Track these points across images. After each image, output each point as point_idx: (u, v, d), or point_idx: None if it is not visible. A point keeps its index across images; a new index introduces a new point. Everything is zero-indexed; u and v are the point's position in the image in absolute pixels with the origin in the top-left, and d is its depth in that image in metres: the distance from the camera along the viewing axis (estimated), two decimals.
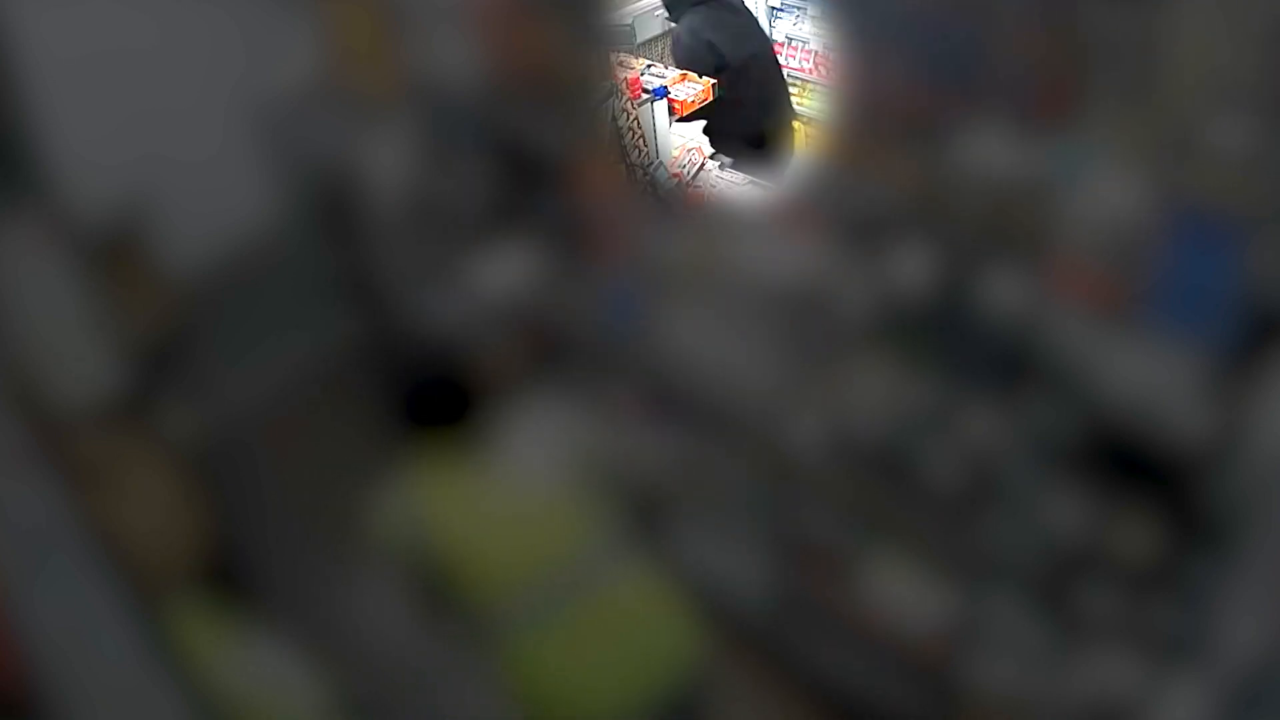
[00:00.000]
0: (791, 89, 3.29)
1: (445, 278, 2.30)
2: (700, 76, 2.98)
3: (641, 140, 2.86)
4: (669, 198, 2.88)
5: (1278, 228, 1.16)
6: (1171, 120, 1.18)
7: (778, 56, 3.25)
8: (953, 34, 1.33)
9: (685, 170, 2.88)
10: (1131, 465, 1.37)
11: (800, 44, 3.60)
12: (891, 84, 1.41)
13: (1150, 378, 1.31)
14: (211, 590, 1.55)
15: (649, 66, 3.11)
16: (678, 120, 2.89)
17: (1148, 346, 1.30)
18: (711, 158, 2.87)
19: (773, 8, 3.68)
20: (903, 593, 1.73)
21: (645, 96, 2.78)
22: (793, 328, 1.70)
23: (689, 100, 2.96)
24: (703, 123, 2.95)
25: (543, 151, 1.97)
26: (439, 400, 1.55)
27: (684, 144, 2.84)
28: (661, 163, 2.94)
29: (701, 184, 2.89)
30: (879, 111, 1.45)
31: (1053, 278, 1.35)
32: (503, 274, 2.19)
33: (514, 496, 1.54)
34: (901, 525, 1.68)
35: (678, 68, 3.07)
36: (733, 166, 2.90)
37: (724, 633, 1.97)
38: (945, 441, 1.57)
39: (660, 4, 3.44)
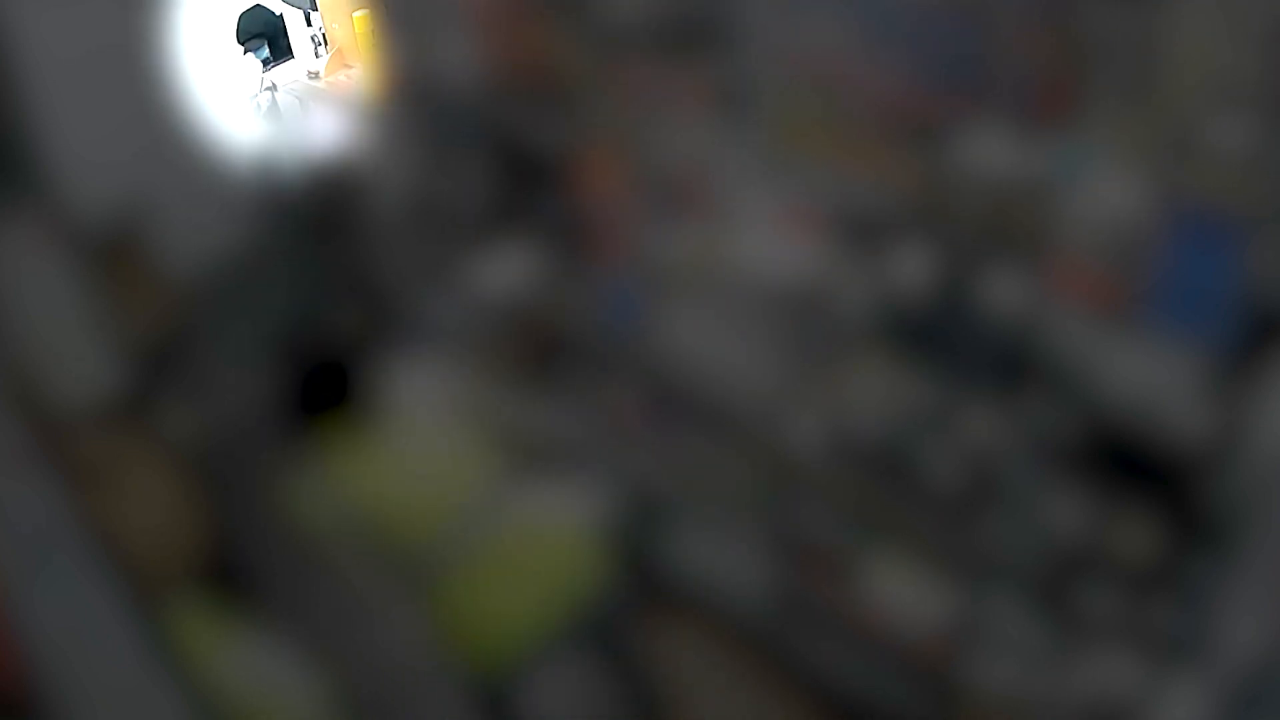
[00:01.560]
0: None
1: (444, 277, 2.30)
2: None
3: None
4: None
5: (1278, 228, 1.16)
6: (1171, 120, 1.18)
7: None
8: (953, 34, 1.33)
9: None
10: (1131, 465, 1.37)
11: None
12: (892, 84, 1.41)
13: (1150, 378, 1.31)
14: (211, 590, 1.55)
15: None
16: None
17: (1148, 346, 1.30)
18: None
19: None
20: (903, 593, 1.73)
21: None
22: (793, 328, 1.70)
23: None
24: None
25: (543, 151, 1.97)
26: (323, 386, 1.66)
27: None
28: None
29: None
30: (879, 111, 1.45)
31: (1053, 278, 1.35)
32: (503, 274, 2.19)
33: (411, 454, 1.67)
34: (901, 525, 1.68)
35: None
36: None
37: (723, 632, 1.97)
38: (945, 441, 1.57)
39: None
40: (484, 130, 2.07)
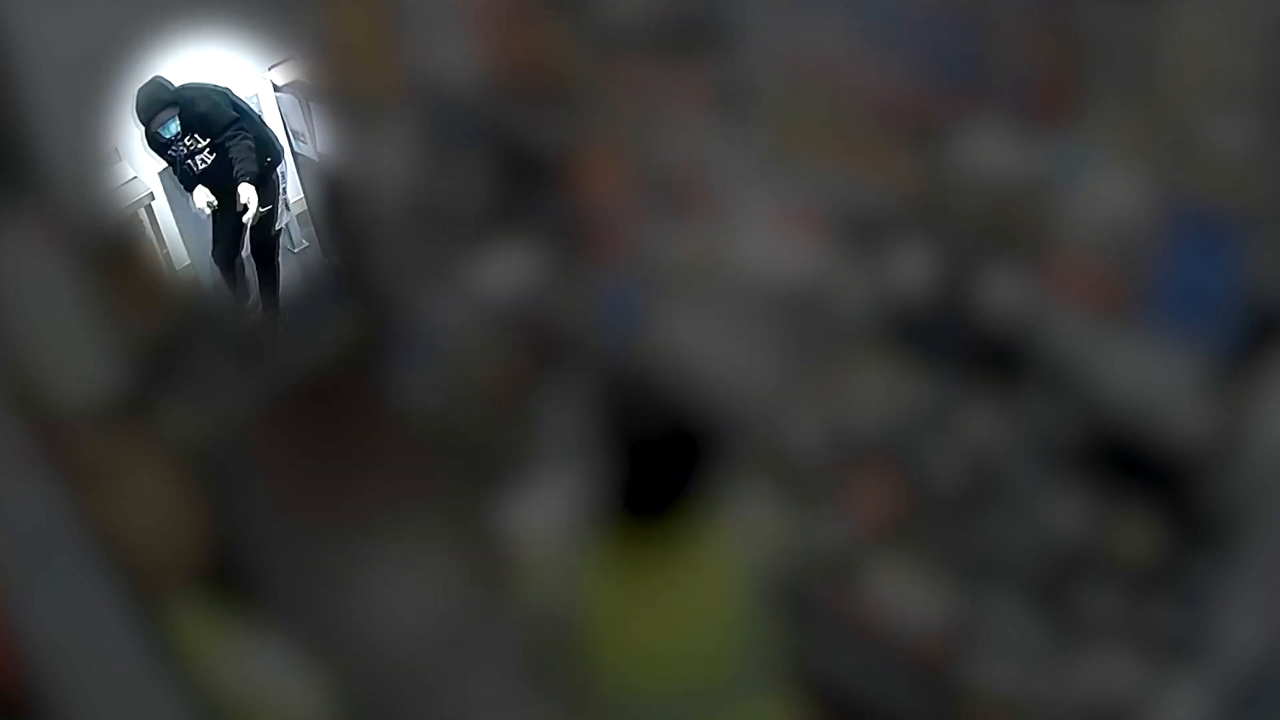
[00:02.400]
0: None
1: (445, 278, 2.30)
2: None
3: None
4: None
5: (1278, 228, 1.16)
6: (1171, 120, 1.18)
7: None
8: (953, 34, 1.33)
9: None
10: (1131, 465, 1.37)
11: None
12: (891, 84, 1.42)
13: (1150, 378, 1.31)
14: (211, 590, 1.54)
15: None
16: None
17: (1148, 346, 1.30)
18: None
19: None
20: (903, 593, 1.73)
21: None
22: (793, 328, 1.70)
23: None
24: None
25: (543, 151, 1.97)
26: (659, 489, 1.28)
27: None
28: None
29: None
30: (879, 111, 1.45)
31: (1053, 278, 1.35)
32: (503, 274, 2.19)
33: (690, 604, 1.33)
34: (902, 525, 1.68)
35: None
36: None
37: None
38: (945, 441, 1.57)
39: None
40: (484, 130, 2.07)
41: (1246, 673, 1.41)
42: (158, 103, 3.21)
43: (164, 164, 3.46)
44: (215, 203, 3.32)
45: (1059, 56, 1.25)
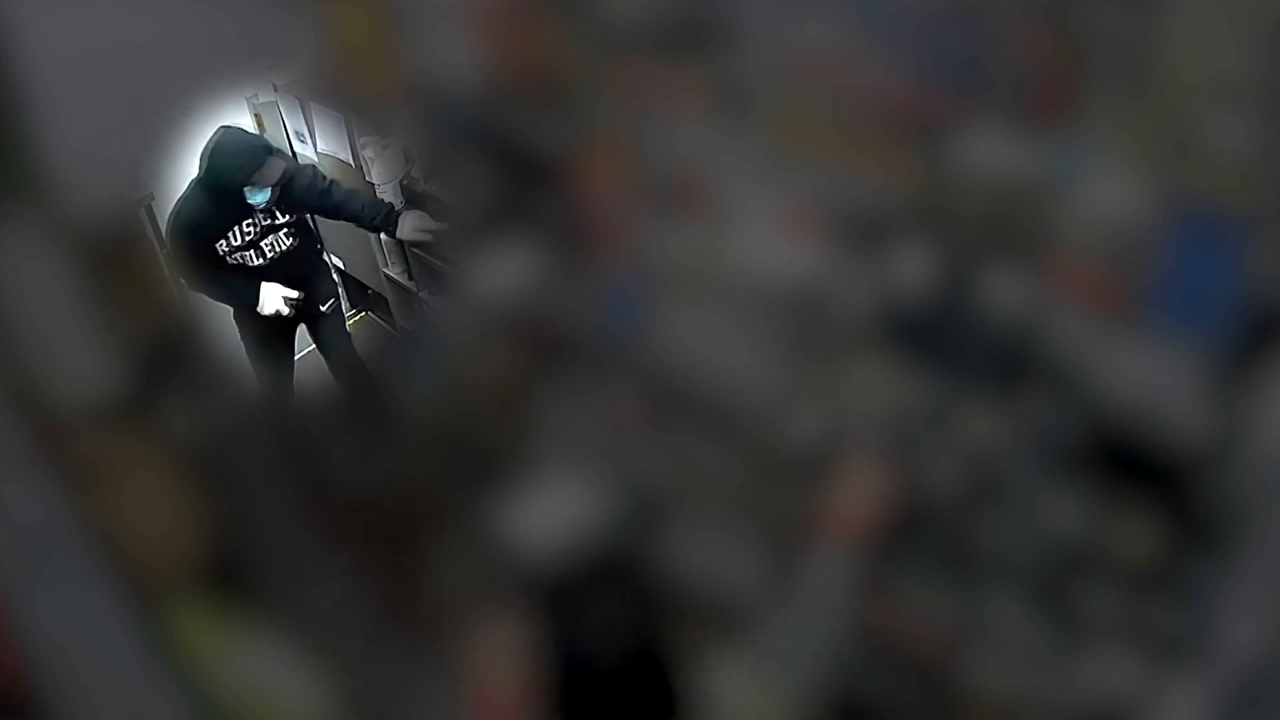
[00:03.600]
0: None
1: (445, 278, 2.30)
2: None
3: None
4: None
5: (1278, 228, 1.16)
6: (1171, 120, 1.18)
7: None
8: (953, 34, 1.33)
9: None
10: (1131, 465, 1.37)
11: None
12: (892, 84, 1.41)
13: (1150, 378, 1.31)
14: (211, 590, 1.55)
15: None
16: None
17: (1148, 346, 1.30)
18: None
19: None
20: (903, 592, 1.73)
21: None
22: (793, 328, 1.70)
23: None
24: None
25: (543, 151, 1.97)
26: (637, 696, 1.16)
27: None
28: None
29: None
30: (879, 111, 1.45)
31: (1053, 278, 1.35)
32: (503, 274, 2.19)
33: None
34: (900, 524, 1.68)
35: None
36: None
37: (724, 632, 1.96)
38: (945, 441, 1.56)
39: None
40: (484, 130, 2.07)
41: (1246, 673, 1.41)
42: (259, 152, 2.26)
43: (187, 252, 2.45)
44: (298, 298, 2.44)
45: (1059, 56, 1.25)
